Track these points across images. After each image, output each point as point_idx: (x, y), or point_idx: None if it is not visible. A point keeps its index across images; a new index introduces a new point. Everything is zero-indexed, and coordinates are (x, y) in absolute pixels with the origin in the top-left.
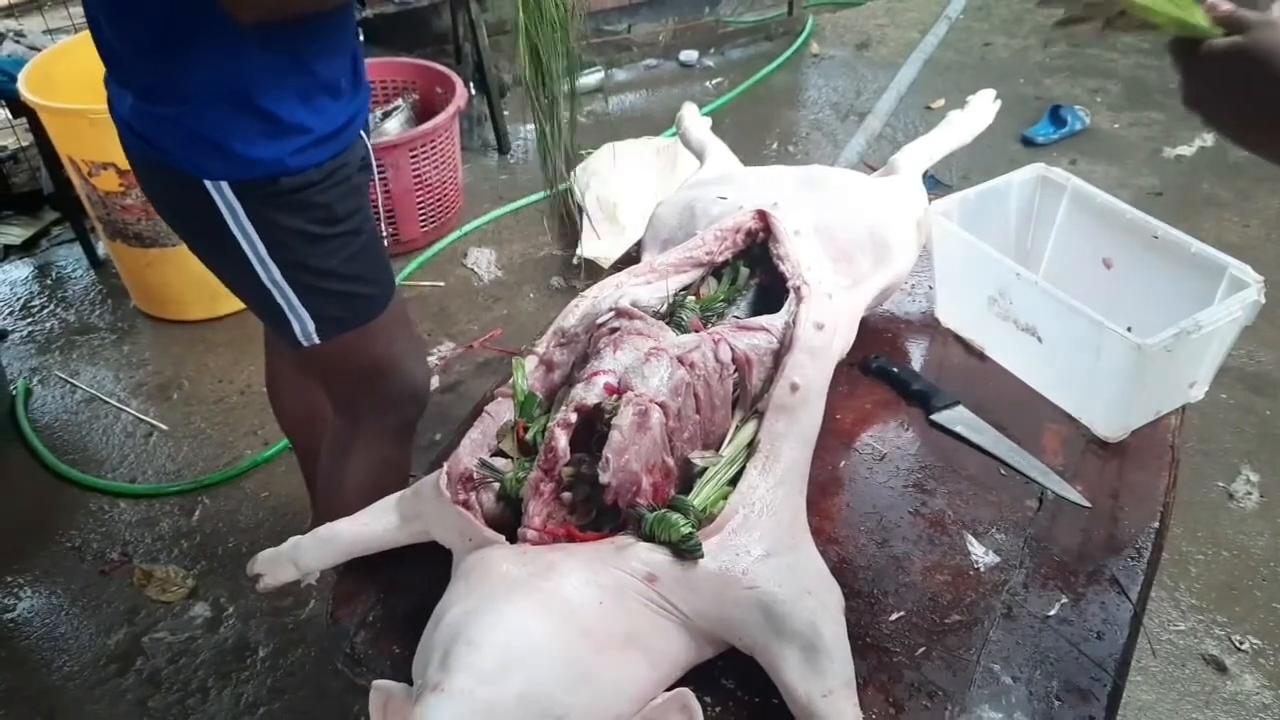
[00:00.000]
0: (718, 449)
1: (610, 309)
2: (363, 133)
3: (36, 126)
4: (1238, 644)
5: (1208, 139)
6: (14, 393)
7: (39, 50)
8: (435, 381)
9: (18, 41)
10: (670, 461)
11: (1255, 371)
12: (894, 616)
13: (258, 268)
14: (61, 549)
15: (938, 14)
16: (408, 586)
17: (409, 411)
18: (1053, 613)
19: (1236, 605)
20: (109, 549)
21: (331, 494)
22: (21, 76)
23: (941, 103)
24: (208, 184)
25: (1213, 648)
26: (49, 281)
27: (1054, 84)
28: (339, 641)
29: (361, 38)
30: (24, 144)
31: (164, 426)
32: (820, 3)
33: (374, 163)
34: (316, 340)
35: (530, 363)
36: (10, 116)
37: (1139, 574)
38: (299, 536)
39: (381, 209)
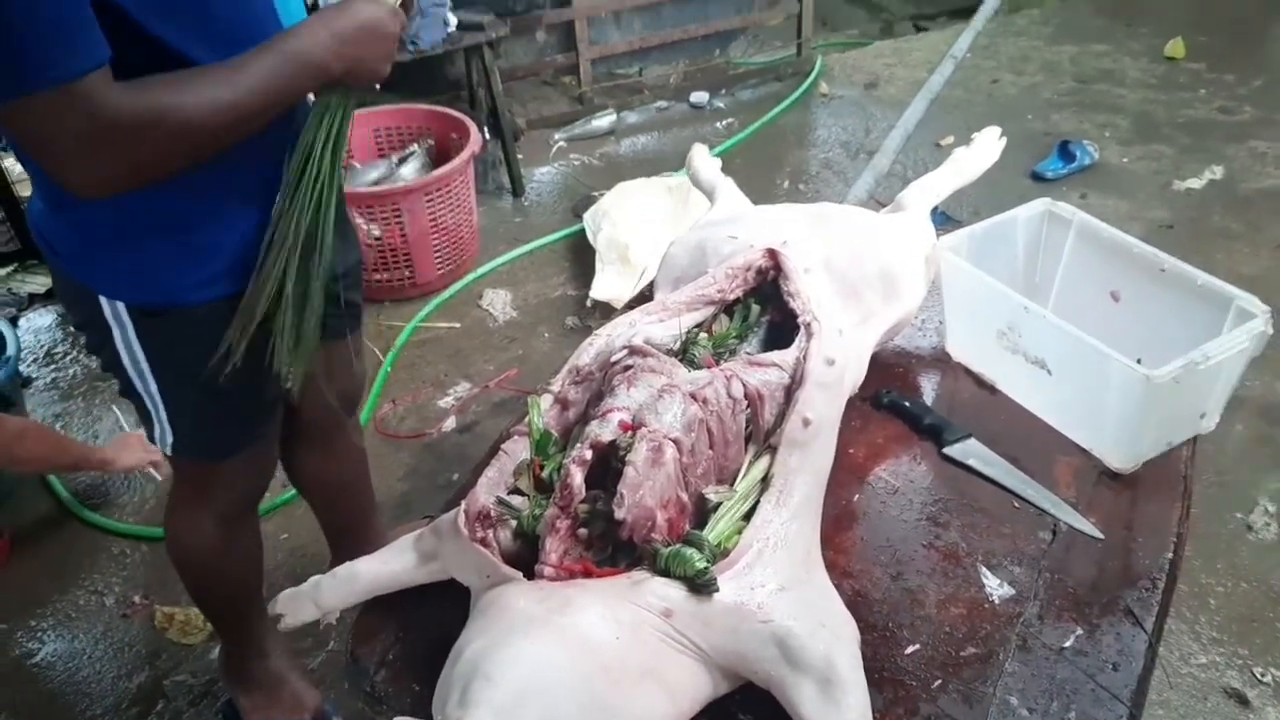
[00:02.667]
0: (731, 484)
1: (624, 346)
2: None
3: None
4: (1259, 676)
5: (1217, 172)
6: None
7: None
8: (452, 422)
9: None
10: (684, 497)
11: (1272, 403)
12: (910, 649)
13: (135, 379)
14: (84, 592)
15: (944, 53)
16: (427, 624)
17: (237, 506)
18: (1068, 644)
19: (1257, 637)
20: (131, 592)
21: (180, 560)
22: None
23: (950, 139)
24: (102, 299)
25: (1234, 680)
26: (72, 329)
27: (1062, 119)
28: (359, 680)
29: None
30: None
31: None
32: (828, 44)
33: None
34: (169, 454)
35: (545, 401)
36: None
37: (1154, 605)
38: (320, 576)
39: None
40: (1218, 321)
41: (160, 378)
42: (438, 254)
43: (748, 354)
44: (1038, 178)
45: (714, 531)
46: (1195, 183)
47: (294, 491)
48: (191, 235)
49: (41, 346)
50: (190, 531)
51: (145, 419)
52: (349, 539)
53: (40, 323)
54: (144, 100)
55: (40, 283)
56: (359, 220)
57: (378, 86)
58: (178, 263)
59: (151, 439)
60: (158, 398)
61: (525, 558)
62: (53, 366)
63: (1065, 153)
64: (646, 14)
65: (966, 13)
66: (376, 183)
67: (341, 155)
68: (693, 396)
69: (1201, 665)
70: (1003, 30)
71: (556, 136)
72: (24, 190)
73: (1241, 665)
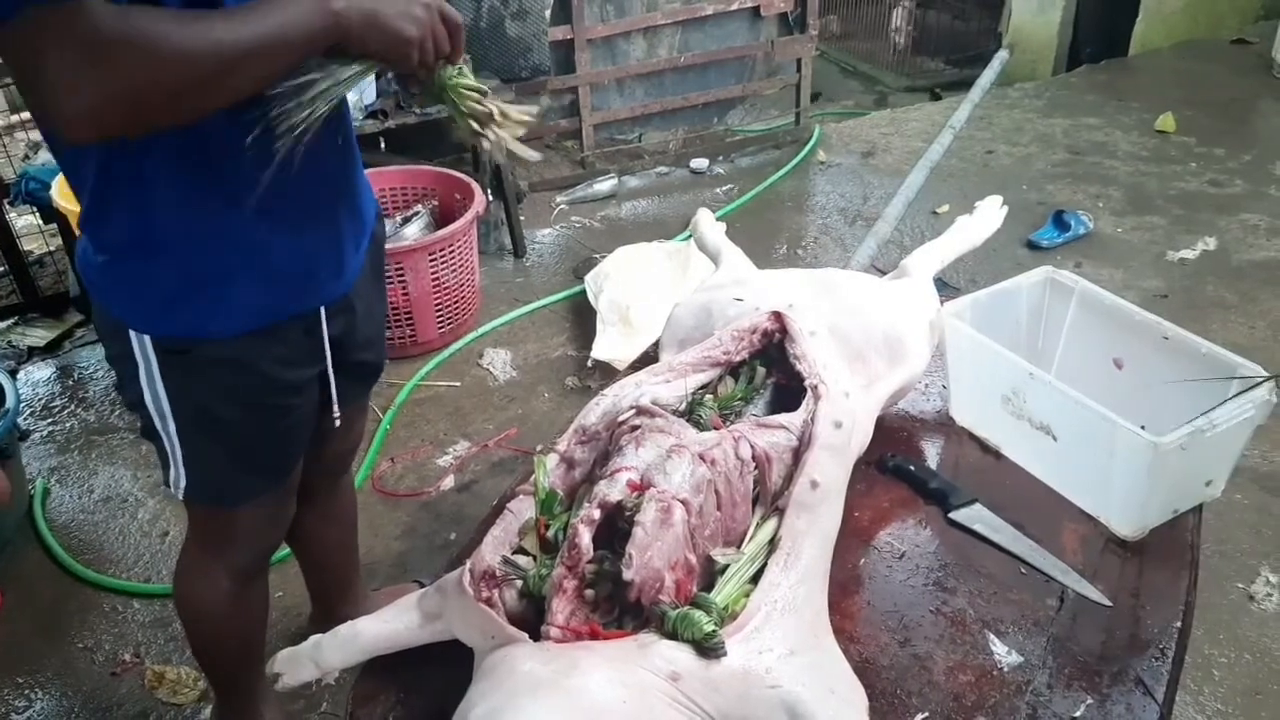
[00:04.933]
0: (739, 546)
1: (631, 407)
2: (323, 310)
3: (66, 231)
4: None
5: (1210, 243)
6: (32, 492)
7: None
8: (450, 481)
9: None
10: (693, 559)
11: (1269, 471)
12: (919, 718)
13: (155, 418)
14: (74, 650)
15: (940, 123)
16: (429, 686)
17: (252, 560)
18: (1078, 714)
19: (1262, 710)
20: (121, 650)
21: (188, 614)
22: (55, 184)
23: (947, 208)
24: (131, 333)
25: None
26: (70, 382)
27: (1056, 190)
28: None
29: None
30: (51, 248)
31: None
32: (826, 113)
33: (325, 345)
34: (180, 498)
35: (551, 460)
36: (42, 223)
37: (1164, 674)
38: (320, 635)
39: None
40: (1221, 390)
41: (179, 418)
42: (439, 313)
43: (754, 416)
44: (1033, 246)
45: (722, 594)
46: (1189, 253)
47: (286, 551)
48: (204, 263)
49: (40, 400)
50: (202, 585)
51: (162, 462)
52: (333, 597)
53: (39, 375)
54: (128, 20)
55: (40, 335)
56: None
57: (411, 60)
58: (194, 292)
59: (166, 483)
60: (175, 439)
61: (531, 619)
62: (50, 420)
63: (1060, 222)
64: (648, 82)
65: (958, 85)
66: None
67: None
68: (701, 457)
69: None
70: (996, 102)
71: (558, 199)
72: (29, 244)
73: None
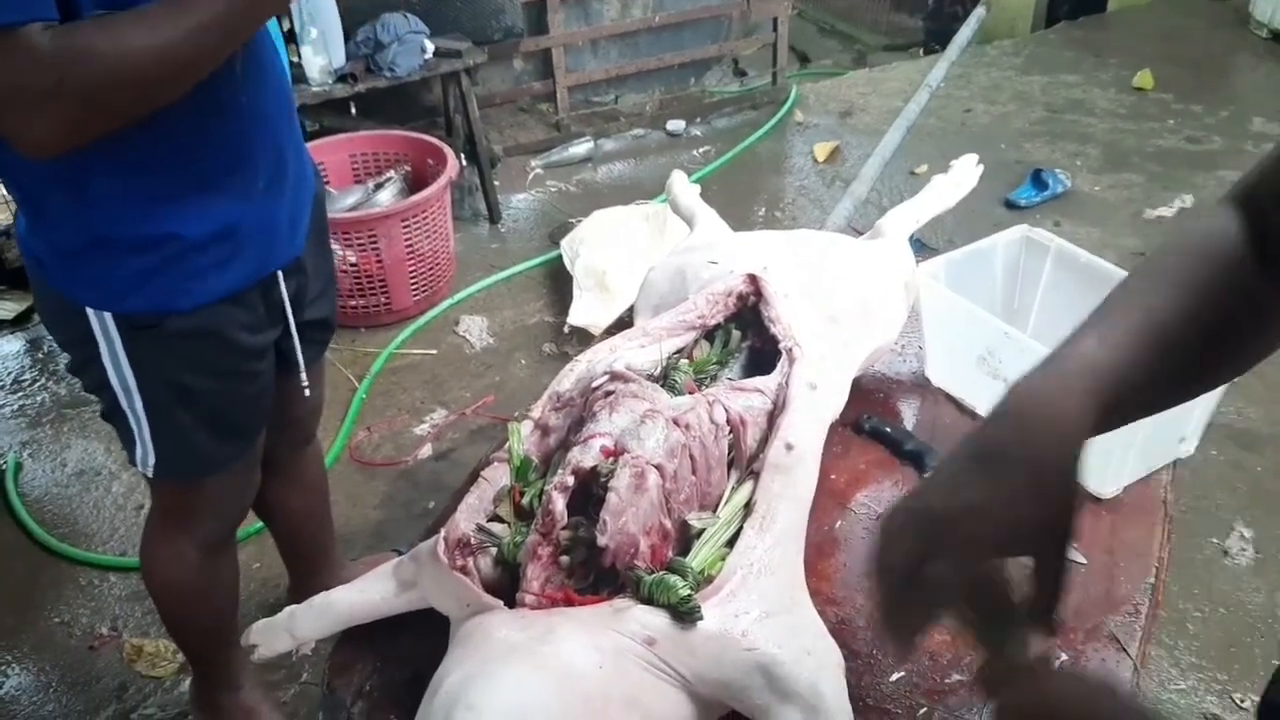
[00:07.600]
0: (714, 510)
1: (605, 372)
2: (279, 272)
3: None
4: (1238, 702)
5: (1187, 201)
6: (4, 466)
7: None
8: (428, 449)
9: None
10: (668, 523)
11: (1244, 428)
12: (894, 677)
13: (120, 396)
14: (50, 624)
15: (918, 83)
16: (405, 655)
17: (219, 532)
18: None
19: (1235, 663)
20: (99, 624)
21: (157, 590)
22: None
23: (925, 168)
24: (89, 312)
25: (1214, 706)
26: (40, 355)
27: (1034, 148)
28: (336, 712)
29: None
30: None
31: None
32: (804, 73)
33: (287, 307)
34: (149, 475)
35: (526, 427)
36: (6, 193)
37: (1137, 630)
38: (294, 606)
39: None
40: None
41: (146, 394)
42: (414, 280)
43: (729, 380)
44: (1011, 206)
45: (697, 558)
46: (1166, 211)
47: (263, 523)
48: (170, 237)
49: (9, 373)
50: (170, 561)
51: (127, 441)
52: (309, 567)
53: (8, 349)
54: (72, 38)
55: (9, 309)
56: (334, 246)
57: None
58: (161, 267)
59: (133, 461)
60: (142, 415)
61: (506, 586)
62: (20, 394)
63: (1038, 181)
64: (623, 43)
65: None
66: (353, 208)
67: None
68: (675, 422)
69: (1181, 691)
70: (974, 61)
71: (533, 163)
72: None
73: (1220, 691)
